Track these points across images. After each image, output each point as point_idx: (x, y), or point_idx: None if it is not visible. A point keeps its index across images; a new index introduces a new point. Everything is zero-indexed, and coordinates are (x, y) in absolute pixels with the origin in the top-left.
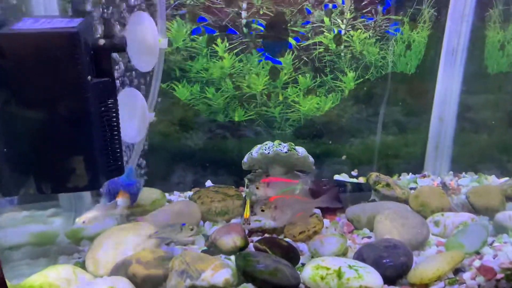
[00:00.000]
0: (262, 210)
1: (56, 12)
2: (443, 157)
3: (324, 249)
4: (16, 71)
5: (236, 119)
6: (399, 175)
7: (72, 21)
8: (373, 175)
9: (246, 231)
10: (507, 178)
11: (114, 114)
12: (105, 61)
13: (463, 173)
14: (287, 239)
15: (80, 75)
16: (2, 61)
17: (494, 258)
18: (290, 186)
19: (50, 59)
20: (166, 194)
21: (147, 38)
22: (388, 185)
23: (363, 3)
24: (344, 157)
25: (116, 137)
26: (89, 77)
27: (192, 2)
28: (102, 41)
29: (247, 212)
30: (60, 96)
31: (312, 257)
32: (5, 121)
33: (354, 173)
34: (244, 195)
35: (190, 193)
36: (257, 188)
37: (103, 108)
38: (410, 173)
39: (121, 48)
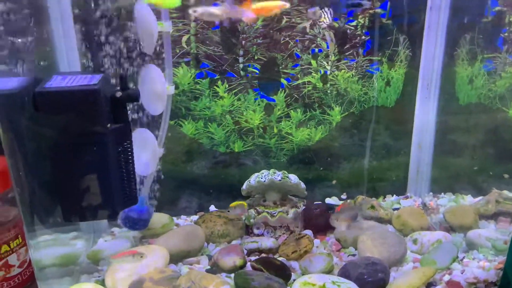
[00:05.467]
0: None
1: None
2: (424, 180)
3: (313, 267)
4: (49, 121)
5: (236, 150)
6: (384, 197)
7: (94, 78)
8: (360, 198)
9: (245, 251)
10: (481, 197)
11: (129, 153)
12: (122, 110)
13: (442, 193)
14: (281, 258)
15: (101, 123)
16: (38, 114)
17: (462, 273)
18: None
19: (77, 111)
20: (174, 218)
21: (156, 87)
22: (372, 207)
23: (346, 47)
24: (334, 181)
25: (131, 172)
26: (108, 125)
27: (195, 51)
28: (119, 94)
29: (234, 204)
30: (85, 141)
31: (302, 274)
32: (41, 161)
33: (343, 196)
34: (243, 218)
35: (195, 217)
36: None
37: (120, 149)
38: (394, 195)
39: (135, 98)
